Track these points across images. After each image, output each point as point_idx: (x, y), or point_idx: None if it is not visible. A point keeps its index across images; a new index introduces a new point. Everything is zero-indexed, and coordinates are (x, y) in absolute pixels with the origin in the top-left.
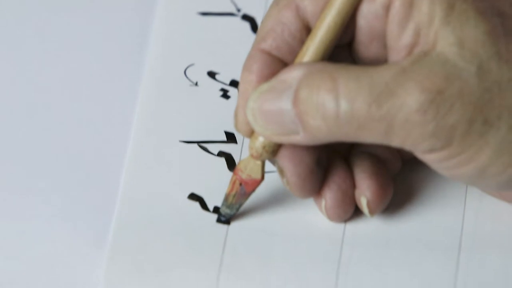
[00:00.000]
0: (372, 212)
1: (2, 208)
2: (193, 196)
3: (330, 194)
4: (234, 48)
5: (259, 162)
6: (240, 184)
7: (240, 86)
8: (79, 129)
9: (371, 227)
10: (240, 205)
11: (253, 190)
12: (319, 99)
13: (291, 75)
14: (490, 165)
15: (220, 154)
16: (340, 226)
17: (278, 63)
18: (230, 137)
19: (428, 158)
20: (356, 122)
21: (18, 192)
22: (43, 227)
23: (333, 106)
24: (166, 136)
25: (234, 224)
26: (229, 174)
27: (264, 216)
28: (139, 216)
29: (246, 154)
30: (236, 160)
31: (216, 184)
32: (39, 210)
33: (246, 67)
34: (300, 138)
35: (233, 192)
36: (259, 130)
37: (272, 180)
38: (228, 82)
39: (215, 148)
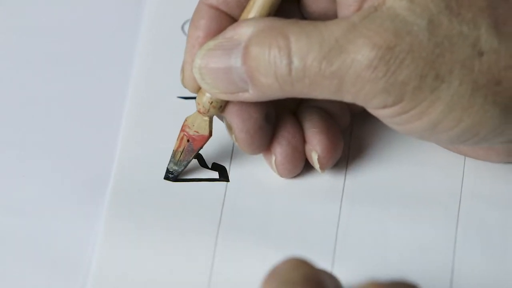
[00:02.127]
0: (323, 168)
1: (3, 165)
2: None
3: (280, 150)
4: None
5: (206, 118)
6: (188, 141)
7: (187, 42)
8: (78, 86)
9: (370, 184)
10: (188, 162)
11: (201, 146)
12: (270, 56)
13: (240, 31)
14: (442, 119)
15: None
16: (339, 183)
17: (226, 18)
18: None
19: (379, 113)
20: (307, 80)
21: (17, 147)
22: (42, 184)
23: (286, 63)
24: (164, 92)
25: (233, 181)
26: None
27: (263, 174)
28: (137, 173)
29: None
30: None
31: (215, 140)
32: (38, 166)
33: (193, 23)
34: (249, 95)
35: (181, 149)
36: (206, 88)
37: None
38: None
39: None
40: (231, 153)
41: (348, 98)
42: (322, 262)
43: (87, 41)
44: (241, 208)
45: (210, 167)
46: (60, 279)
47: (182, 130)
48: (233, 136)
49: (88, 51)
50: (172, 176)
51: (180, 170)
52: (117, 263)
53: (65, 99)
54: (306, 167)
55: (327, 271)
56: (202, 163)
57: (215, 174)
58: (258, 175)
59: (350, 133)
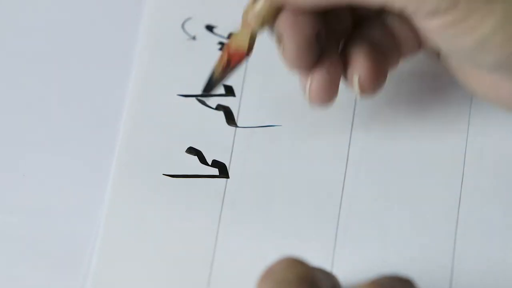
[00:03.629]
0: (363, 91)
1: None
2: (191, 150)
3: (318, 76)
4: (232, 1)
5: (248, 32)
6: (228, 58)
7: None
8: (78, 86)
9: (371, 184)
10: (226, 77)
11: (238, 63)
12: None
13: None
14: (492, 35)
15: (219, 107)
16: (340, 178)
17: None
18: (229, 90)
19: (430, 23)
20: None
21: (17, 147)
22: (42, 184)
23: None
24: (164, 90)
25: (233, 178)
26: (228, 127)
27: (262, 171)
28: (137, 171)
29: (244, 107)
30: (235, 113)
31: (215, 137)
32: (38, 165)
33: None
34: None
35: (220, 65)
36: None
37: (271, 132)
38: (226, 35)
39: (213, 101)
40: (231, 150)
41: (400, 1)
42: (321, 260)
43: (87, 41)
44: (241, 205)
45: (210, 164)
46: (60, 279)
47: (226, 45)
48: (281, 47)
49: (88, 51)
50: (209, 89)
51: (217, 85)
52: (117, 262)
53: (65, 99)
54: (306, 168)
55: (324, 269)
56: (202, 160)
57: (215, 171)
58: (258, 172)
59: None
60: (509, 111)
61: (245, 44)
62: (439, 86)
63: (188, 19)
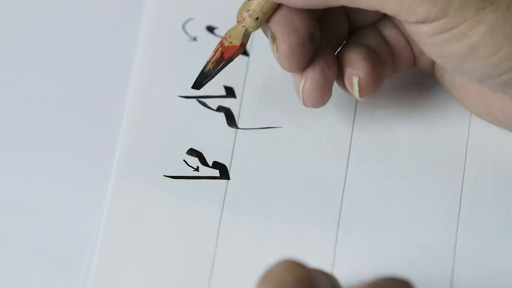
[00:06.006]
0: (362, 93)
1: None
2: (192, 151)
3: (312, 75)
4: (233, 2)
5: (242, 28)
6: (222, 52)
7: None
8: (78, 86)
9: (372, 179)
10: (216, 72)
11: (230, 57)
12: None
13: None
14: (481, 44)
15: (219, 109)
16: (341, 177)
17: None
18: (229, 92)
19: (420, 30)
20: None
21: (17, 147)
22: (43, 184)
23: None
24: (164, 91)
25: (234, 180)
26: (229, 129)
27: (263, 172)
28: (138, 172)
29: (245, 108)
30: (235, 115)
31: (216, 139)
32: (39, 166)
33: None
34: None
35: (213, 59)
36: None
37: (271, 133)
38: None
39: (214, 103)
40: (232, 152)
41: (391, 5)
42: (322, 262)
43: (87, 42)
44: (241, 206)
45: (210, 165)
46: (60, 279)
47: (220, 41)
48: (274, 47)
49: (89, 51)
50: (197, 85)
51: (207, 79)
52: (117, 263)
53: (65, 99)
54: (306, 170)
55: (323, 270)
56: (203, 161)
57: (215, 172)
58: (258, 173)
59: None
60: (500, 126)
61: (238, 39)
62: (440, 86)
63: (189, 20)
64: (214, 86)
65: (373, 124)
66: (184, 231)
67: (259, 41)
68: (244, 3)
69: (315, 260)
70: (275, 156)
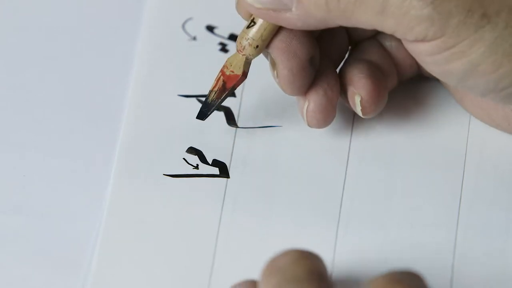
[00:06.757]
0: (365, 112)
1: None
2: (192, 149)
3: (315, 97)
4: (232, 2)
5: (242, 57)
6: (223, 81)
7: None
8: (78, 86)
9: (371, 181)
10: (220, 102)
11: (233, 86)
12: None
13: None
14: (482, 62)
15: (219, 108)
16: (340, 179)
17: None
18: None
19: (419, 48)
20: None
21: (17, 147)
22: (43, 184)
23: None
24: (164, 91)
25: (233, 178)
26: (228, 127)
27: (263, 171)
28: (138, 171)
29: (245, 107)
30: (235, 114)
31: (215, 138)
32: (39, 166)
33: None
34: (291, 15)
35: (216, 89)
36: (250, 1)
37: (271, 133)
38: (226, 36)
39: None
40: (232, 150)
41: (390, 24)
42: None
43: (87, 41)
44: (241, 204)
45: (210, 163)
46: (60, 279)
47: (221, 70)
48: (275, 73)
49: (88, 50)
50: (202, 116)
51: (211, 110)
52: (117, 263)
53: (65, 99)
54: (306, 168)
55: (315, 253)
56: (203, 159)
57: (215, 170)
58: (258, 172)
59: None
60: (504, 132)
61: (240, 68)
62: (440, 86)
63: (189, 19)
64: None
65: (373, 123)
66: (184, 229)
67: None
68: (243, 31)
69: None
70: (275, 154)
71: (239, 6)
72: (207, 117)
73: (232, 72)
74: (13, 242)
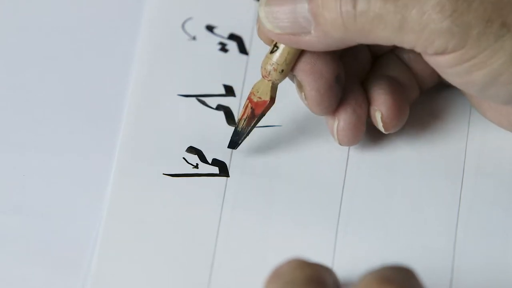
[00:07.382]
0: (387, 128)
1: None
2: (191, 149)
3: (344, 116)
4: (232, 1)
5: (268, 82)
6: (252, 108)
7: None
8: (78, 86)
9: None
10: (250, 129)
11: (262, 112)
12: None
13: None
14: (503, 71)
15: (219, 107)
16: (339, 182)
17: None
18: (229, 91)
19: (440, 61)
20: (371, 13)
21: (17, 147)
22: (42, 184)
23: None
24: (164, 90)
25: (233, 177)
26: (228, 127)
27: (263, 169)
28: (138, 171)
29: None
30: (235, 114)
31: (215, 137)
32: (38, 165)
33: None
34: (311, 38)
35: (245, 116)
36: (269, 27)
37: (271, 132)
38: (226, 35)
39: (213, 101)
40: (231, 150)
41: (409, 39)
42: (322, 259)
43: (87, 41)
44: (241, 203)
45: (210, 162)
46: (60, 279)
47: (248, 97)
48: (302, 95)
49: (88, 50)
50: (233, 145)
51: (242, 138)
52: (117, 263)
53: (65, 99)
54: (306, 168)
55: (325, 265)
56: (202, 159)
57: (215, 170)
58: (258, 171)
59: None
60: None
61: (267, 94)
62: (440, 87)
63: (189, 19)
64: (214, 85)
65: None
66: (184, 229)
67: (258, 40)
68: (267, 56)
69: (314, 259)
70: (275, 154)
71: (260, 32)
72: (238, 145)
73: (260, 98)
74: (13, 242)
